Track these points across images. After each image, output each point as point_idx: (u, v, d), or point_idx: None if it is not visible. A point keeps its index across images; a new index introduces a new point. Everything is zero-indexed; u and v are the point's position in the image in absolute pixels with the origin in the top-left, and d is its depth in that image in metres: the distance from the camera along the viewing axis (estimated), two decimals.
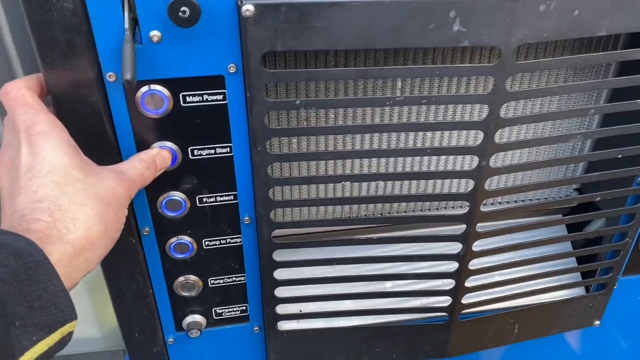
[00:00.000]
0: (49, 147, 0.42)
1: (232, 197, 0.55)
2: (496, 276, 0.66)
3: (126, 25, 0.43)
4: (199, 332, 0.63)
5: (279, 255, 0.59)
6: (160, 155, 0.50)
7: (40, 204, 0.40)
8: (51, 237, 0.39)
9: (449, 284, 0.63)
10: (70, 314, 0.38)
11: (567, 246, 0.72)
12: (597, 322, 0.74)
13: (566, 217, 0.68)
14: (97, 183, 0.43)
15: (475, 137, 0.59)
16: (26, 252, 0.36)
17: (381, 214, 0.64)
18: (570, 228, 0.71)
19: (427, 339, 0.67)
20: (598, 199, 0.63)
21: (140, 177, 0.47)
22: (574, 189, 0.72)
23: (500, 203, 0.69)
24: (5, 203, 0.42)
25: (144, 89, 0.47)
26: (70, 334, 0.39)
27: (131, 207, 0.54)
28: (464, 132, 0.59)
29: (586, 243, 0.71)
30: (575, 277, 0.72)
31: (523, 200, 0.70)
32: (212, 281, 0.61)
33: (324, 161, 0.58)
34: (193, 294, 0.61)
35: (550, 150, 0.66)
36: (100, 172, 0.44)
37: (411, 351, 0.68)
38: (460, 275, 0.61)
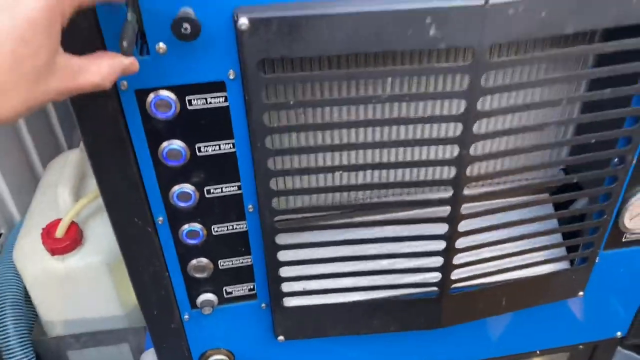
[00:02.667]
0: None
1: (236, 188, 0.61)
2: (485, 252, 0.72)
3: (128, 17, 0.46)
4: (212, 309, 0.69)
5: (282, 239, 0.64)
6: None
7: None
8: None
9: (438, 261, 0.68)
10: None
11: (554, 223, 0.77)
12: (581, 293, 0.79)
13: (550, 196, 0.73)
14: None
15: (455, 129, 0.64)
16: None
17: (375, 198, 0.70)
18: (558, 206, 0.76)
19: (421, 311, 0.73)
20: (575, 180, 0.68)
21: None
22: (561, 169, 0.76)
23: (490, 184, 0.74)
24: None
25: (153, 95, 0.53)
26: None
27: (146, 199, 0.60)
28: (446, 123, 0.63)
29: (571, 221, 0.75)
30: (561, 252, 0.77)
31: (512, 182, 0.75)
32: (222, 263, 0.67)
33: (319, 153, 0.63)
34: (205, 275, 0.67)
35: (534, 137, 0.71)
36: None
37: (407, 323, 0.74)
38: (448, 253, 0.67)
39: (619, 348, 0.98)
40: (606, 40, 0.60)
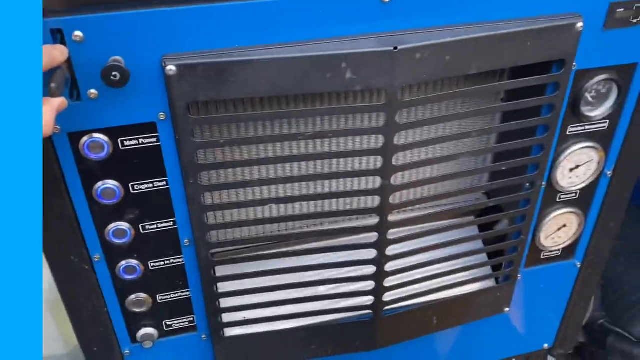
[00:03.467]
0: None
1: (171, 223, 0.63)
2: (415, 275, 0.76)
3: None
4: (152, 343, 0.70)
5: (218, 271, 0.67)
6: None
7: None
8: None
9: (370, 285, 0.72)
10: None
11: (479, 244, 0.82)
12: (507, 309, 0.85)
13: (475, 219, 0.79)
14: None
15: (376, 161, 0.68)
16: None
17: (308, 227, 0.73)
18: (483, 228, 0.82)
19: (357, 334, 0.76)
20: (495, 204, 0.74)
21: None
22: (484, 194, 0.82)
23: (418, 209, 0.78)
24: None
25: (86, 137, 0.55)
26: None
27: (82, 238, 0.61)
28: (370, 158, 0.68)
29: (494, 241, 0.81)
30: (486, 271, 0.82)
31: (438, 206, 0.80)
32: (160, 297, 0.69)
33: (256, 188, 0.67)
34: (144, 309, 0.68)
35: (454, 165, 0.76)
36: None
37: (343, 346, 0.77)
38: (378, 277, 0.71)
39: (549, 358, 1.04)
40: (514, 76, 0.66)
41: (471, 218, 0.81)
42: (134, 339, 0.71)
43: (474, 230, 0.82)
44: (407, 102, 0.58)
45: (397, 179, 0.65)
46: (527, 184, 0.73)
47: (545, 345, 0.95)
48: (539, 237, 0.80)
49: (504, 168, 0.69)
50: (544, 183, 0.74)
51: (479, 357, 0.92)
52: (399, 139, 0.61)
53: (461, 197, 0.79)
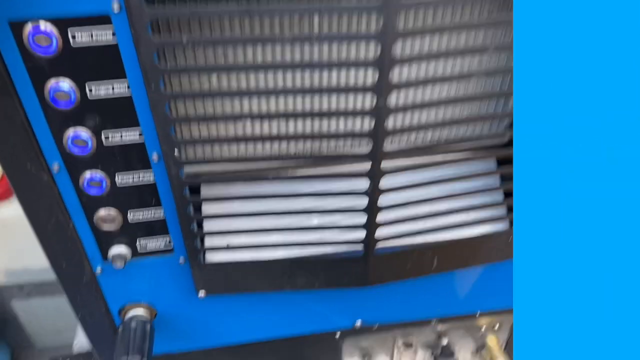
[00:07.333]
0: None
1: (137, 134, 0.56)
2: (415, 211, 0.68)
3: None
4: (123, 263, 0.66)
5: (197, 191, 0.60)
6: None
7: None
8: None
9: (362, 218, 0.65)
10: None
11: (495, 180, 0.73)
12: None
13: (489, 152, 0.69)
14: None
15: (372, 76, 0.59)
16: None
17: (290, 152, 0.65)
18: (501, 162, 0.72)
19: (346, 270, 0.70)
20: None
21: None
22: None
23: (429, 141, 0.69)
24: None
25: (30, 27, 0.48)
26: None
27: (37, 143, 0.55)
28: (362, 71, 0.58)
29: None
30: (500, 211, 0.73)
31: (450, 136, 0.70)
32: (132, 215, 0.63)
33: (228, 100, 0.59)
34: (113, 227, 0.63)
35: (466, 88, 0.66)
36: None
37: (331, 281, 0.71)
38: (371, 210, 0.63)
39: None
40: None
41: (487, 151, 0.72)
42: (105, 257, 0.67)
43: (489, 165, 0.72)
44: (409, 2, 0.48)
45: (396, 99, 0.56)
46: None
47: None
48: None
49: None
50: None
51: (487, 304, 0.85)
52: (399, 49, 0.51)
53: (473, 125, 0.69)
